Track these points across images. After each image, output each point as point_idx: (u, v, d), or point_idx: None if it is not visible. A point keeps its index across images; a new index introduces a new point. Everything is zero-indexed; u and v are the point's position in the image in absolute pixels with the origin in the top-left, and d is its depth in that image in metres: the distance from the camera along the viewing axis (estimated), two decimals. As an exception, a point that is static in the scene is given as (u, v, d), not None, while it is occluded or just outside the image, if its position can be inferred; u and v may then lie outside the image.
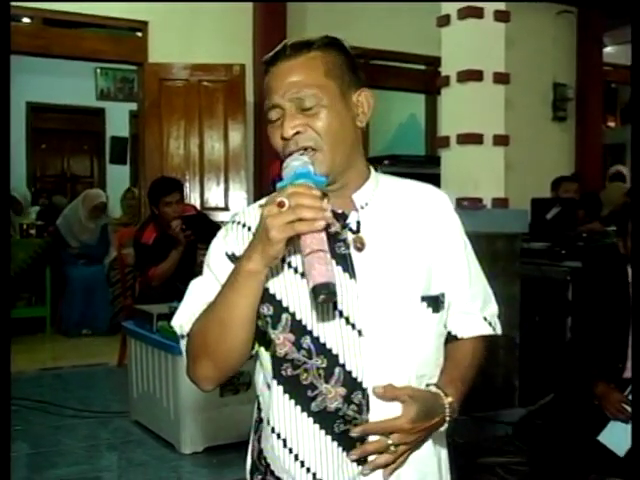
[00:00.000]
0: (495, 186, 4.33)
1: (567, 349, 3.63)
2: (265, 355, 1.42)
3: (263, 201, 1.37)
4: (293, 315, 1.37)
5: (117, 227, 7.52)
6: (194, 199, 6.27)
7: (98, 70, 9.99)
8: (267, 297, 1.37)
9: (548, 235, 4.98)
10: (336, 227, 1.39)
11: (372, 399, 1.36)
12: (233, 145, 6.47)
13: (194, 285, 1.48)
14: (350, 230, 1.40)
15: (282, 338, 1.37)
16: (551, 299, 4.53)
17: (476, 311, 1.53)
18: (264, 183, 6.17)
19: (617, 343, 3.01)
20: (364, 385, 1.36)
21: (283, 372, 1.38)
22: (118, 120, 10.52)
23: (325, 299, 1.20)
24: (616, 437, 2.85)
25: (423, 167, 5.99)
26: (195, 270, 5.26)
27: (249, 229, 1.44)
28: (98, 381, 5.65)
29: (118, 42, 6.57)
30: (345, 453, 1.36)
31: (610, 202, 5.92)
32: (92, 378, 5.71)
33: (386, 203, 1.45)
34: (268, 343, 1.40)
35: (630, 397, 2.86)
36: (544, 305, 4.57)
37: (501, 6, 4.30)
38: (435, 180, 4.54)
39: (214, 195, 6.46)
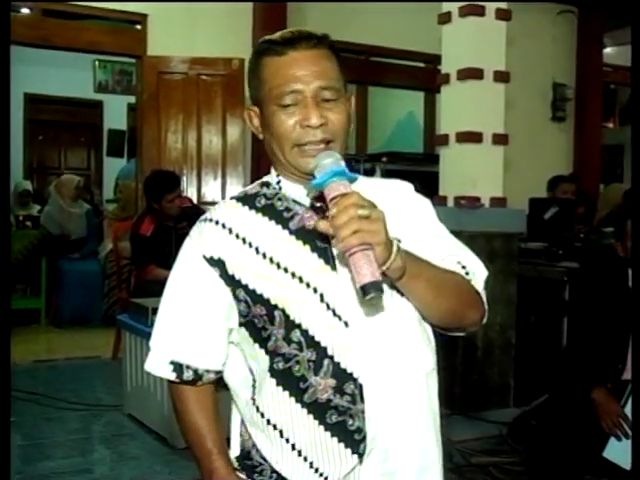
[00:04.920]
0: (493, 185, 4.32)
1: (564, 349, 3.62)
2: (260, 352, 1.41)
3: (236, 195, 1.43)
4: (283, 311, 1.37)
5: (112, 222, 7.52)
6: (191, 193, 6.25)
7: (96, 62, 9.93)
8: (258, 299, 1.38)
9: (545, 235, 4.97)
10: (315, 221, 1.36)
11: (366, 389, 1.36)
12: (231, 140, 6.45)
13: (175, 306, 1.48)
14: None
15: (277, 334, 1.37)
16: (547, 299, 4.52)
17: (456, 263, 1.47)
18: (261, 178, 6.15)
19: (617, 344, 3.00)
20: (355, 375, 1.36)
21: (275, 366, 1.38)
22: (116, 113, 10.47)
23: (374, 296, 1.20)
24: (621, 451, 2.79)
25: (421, 165, 5.99)
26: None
27: (230, 230, 1.42)
28: (92, 374, 5.63)
29: (117, 34, 6.55)
30: (341, 444, 1.36)
31: (609, 203, 5.91)
32: (86, 371, 5.69)
33: None
34: (266, 339, 1.40)
35: (627, 408, 2.84)
36: (540, 305, 4.57)
37: (502, 4, 4.29)
38: (433, 178, 4.53)
39: (211, 189, 6.44)
